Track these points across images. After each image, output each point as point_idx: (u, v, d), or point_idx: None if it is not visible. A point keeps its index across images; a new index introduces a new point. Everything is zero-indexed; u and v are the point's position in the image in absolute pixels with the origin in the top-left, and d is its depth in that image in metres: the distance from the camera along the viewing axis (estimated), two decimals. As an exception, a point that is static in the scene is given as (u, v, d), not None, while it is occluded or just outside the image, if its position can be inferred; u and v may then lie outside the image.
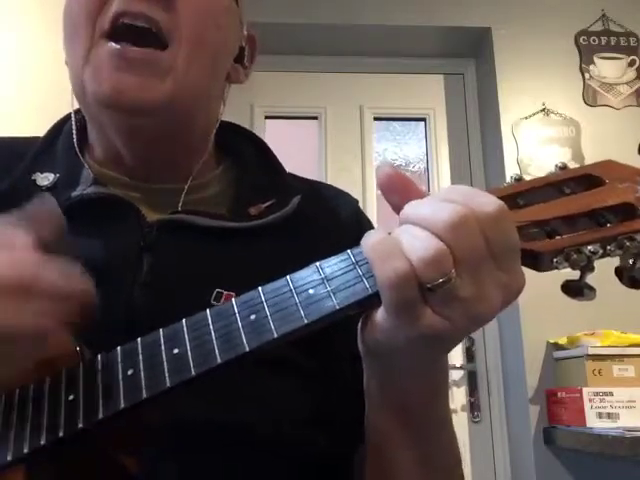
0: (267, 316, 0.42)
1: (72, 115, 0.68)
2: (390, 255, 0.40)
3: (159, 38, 0.59)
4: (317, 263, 0.44)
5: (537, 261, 0.43)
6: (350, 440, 0.58)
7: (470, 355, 2.17)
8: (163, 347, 0.43)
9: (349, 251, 0.44)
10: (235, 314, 0.43)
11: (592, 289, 0.43)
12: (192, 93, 0.61)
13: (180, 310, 0.45)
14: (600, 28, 2.27)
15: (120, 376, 0.43)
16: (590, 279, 0.44)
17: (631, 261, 0.43)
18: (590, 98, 2.20)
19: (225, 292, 0.56)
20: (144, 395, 0.42)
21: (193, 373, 0.41)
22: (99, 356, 0.45)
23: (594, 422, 1.67)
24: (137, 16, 0.58)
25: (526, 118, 2.17)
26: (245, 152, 0.72)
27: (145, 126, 0.61)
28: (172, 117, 0.61)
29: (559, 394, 1.83)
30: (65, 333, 0.46)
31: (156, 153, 0.64)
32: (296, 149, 2.37)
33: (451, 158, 2.37)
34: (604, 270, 0.46)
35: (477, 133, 2.37)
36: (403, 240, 0.40)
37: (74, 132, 0.67)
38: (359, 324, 0.46)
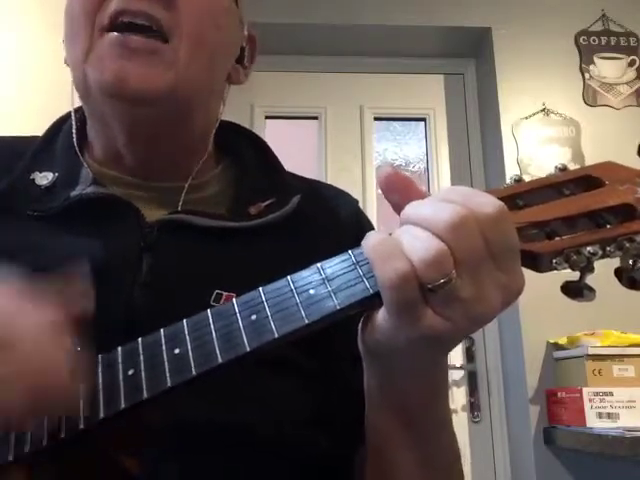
0: (268, 316, 0.42)
1: (72, 114, 0.68)
2: (391, 255, 0.40)
3: (160, 35, 0.59)
4: (318, 264, 0.44)
5: (537, 262, 0.43)
6: (351, 441, 0.58)
7: (470, 355, 2.17)
8: (164, 347, 0.43)
9: (350, 251, 0.44)
10: (236, 314, 0.43)
11: (592, 290, 0.43)
12: (193, 88, 0.61)
13: (180, 311, 0.45)
14: (600, 28, 2.27)
15: (121, 376, 0.43)
16: (590, 279, 0.44)
17: (631, 262, 0.43)
18: (590, 98, 2.20)
19: (225, 293, 0.56)
20: (145, 395, 0.42)
21: (194, 373, 0.41)
22: (99, 356, 0.45)
23: (594, 422, 1.67)
24: (137, 14, 0.58)
25: (526, 118, 2.17)
26: (245, 151, 0.72)
27: (147, 117, 0.60)
28: (173, 109, 0.61)
29: (559, 394, 1.83)
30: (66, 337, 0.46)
31: (156, 151, 0.64)
32: (296, 149, 2.37)
33: (451, 158, 2.37)
34: (604, 270, 0.47)
35: (477, 133, 2.37)
36: (404, 240, 0.41)
37: (74, 131, 0.67)
38: (359, 324, 0.46)
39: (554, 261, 0.43)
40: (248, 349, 0.41)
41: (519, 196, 0.45)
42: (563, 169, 0.46)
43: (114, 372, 0.43)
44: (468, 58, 2.43)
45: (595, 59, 2.24)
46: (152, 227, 0.60)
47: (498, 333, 2.18)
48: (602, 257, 0.43)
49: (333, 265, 0.44)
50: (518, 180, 0.46)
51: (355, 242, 0.50)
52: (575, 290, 0.44)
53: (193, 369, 0.42)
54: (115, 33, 0.58)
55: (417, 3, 2.30)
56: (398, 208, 0.44)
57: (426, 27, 2.30)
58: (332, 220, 0.69)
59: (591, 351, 1.75)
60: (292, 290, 0.43)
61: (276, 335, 0.42)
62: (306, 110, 2.40)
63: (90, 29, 0.59)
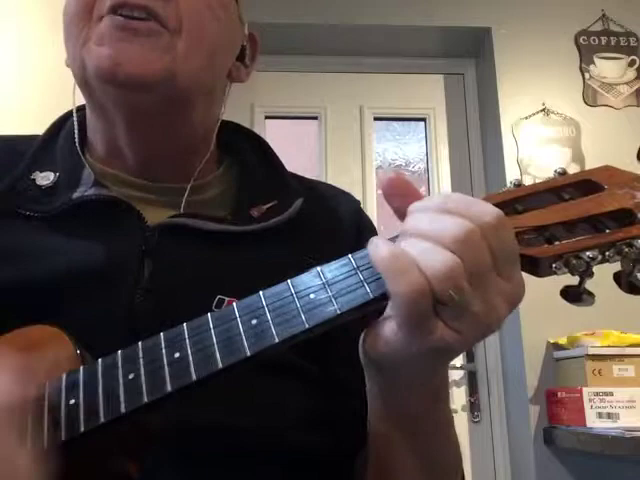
0: (268, 321, 0.42)
1: (74, 112, 0.67)
2: (404, 269, 0.40)
3: (159, 22, 0.58)
4: (318, 268, 0.44)
5: (536, 266, 0.43)
6: (351, 443, 0.57)
7: (470, 355, 2.17)
8: (164, 351, 0.43)
9: (350, 256, 0.44)
10: (236, 318, 0.43)
11: (591, 294, 0.43)
12: (192, 78, 0.60)
13: (182, 316, 0.45)
14: (600, 28, 2.27)
15: (121, 380, 0.43)
16: (590, 279, 0.44)
17: (630, 267, 0.43)
18: (590, 98, 2.20)
19: (227, 299, 0.56)
20: (145, 400, 0.41)
21: (194, 378, 0.41)
22: (100, 360, 0.45)
23: (594, 422, 1.67)
24: (135, 7, 0.58)
25: (526, 118, 2.17)
26: (246, 152, 0.72)
27: (145, 104, 0.59)
28: (172, 97, 0.60)
29: (559, 394, 1.83)
30: (65, 338, 0.46)
31: (157, 147, 0.64)
32: (296, 149, 2.37)
33: (451, 158, 2.37)
34: (604, 271, 0.46)
35: (477, 133, 2.37)
36: (415, 254, 0.40)
37: (75, 130, 0.66)
38: (361, 337, 0.46)
39: (553, 265, 0.43)
40: (249, 354, 0.41)
41: (518, 200, 0.45)
42: (562, 173, 0.46)
43: (114, 376, 0.43)
44: (468, 58, 2.43)
45: (595, 59, 2.24)
46: (153, 231, 0.59)
47: (498, 333, 2.18)
48: (601, 262, 0.43)
49: (333, 270, 0.43)
50: (518, 185, 0.46)
51: (356, 243, 0.49)
52: (574, 295, 0.44)
53: (193, 374, 0.41)
54: (114, 16, 0.57)
55: (417, 3, 2.30)
56: (399, 213, 0.44)
57: (426, 27, 2.30)
58: (334, 221, 0.68)
59: (591, 351, 1.75)
60: (292, 294, 0.43)
61: (277, 340, 0.41)
62: (306, 110, 2.40)
63: (87, 21, 0.59)
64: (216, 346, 0.42)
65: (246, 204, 0.64)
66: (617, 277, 0.43)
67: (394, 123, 2.47)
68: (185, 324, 0.44)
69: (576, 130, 2.16)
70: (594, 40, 2.25)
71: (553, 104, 2.18)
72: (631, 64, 2.25)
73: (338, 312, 0.42)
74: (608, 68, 2.23)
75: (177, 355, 0.42)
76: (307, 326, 0.41)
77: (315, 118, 2.41)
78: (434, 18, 2.29)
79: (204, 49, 0.61)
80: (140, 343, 0.44)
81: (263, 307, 0.43)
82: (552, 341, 1.94)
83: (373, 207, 2.25)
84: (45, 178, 0.62)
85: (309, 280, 0.44)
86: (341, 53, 2.40)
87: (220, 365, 0.41)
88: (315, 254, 0.61)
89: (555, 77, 2.22)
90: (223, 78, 0.68)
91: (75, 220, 0.59)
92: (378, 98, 2.40)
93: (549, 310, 1.86)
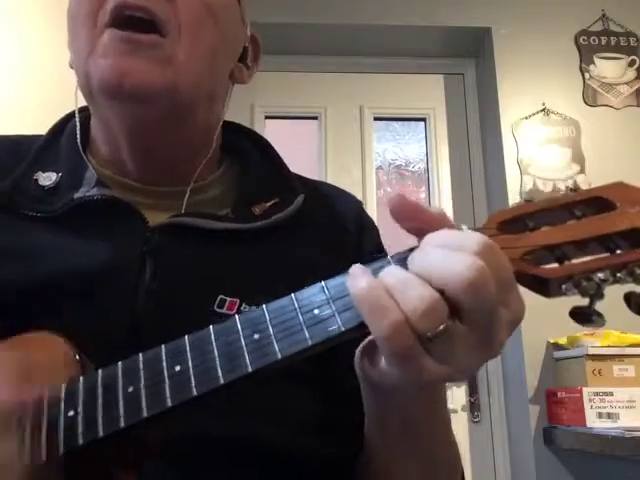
0: (271, 335, 0.41)
1: (76, 114, 0.67)
2: (381, 306, 0.38)
3: (158, 29, 0.59)
4: (322, 282, 0.43)
5: (546, 287, 0.42)
6: (354, 446, 0.57)
7: (470, 355, 2.17)
8: (164, 364, 0.42)
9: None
10: (238, 332, 0.42)
11: (600, 316, 0.42)
12: (193, 83, 0.60)
13: (184, 316, 0.45)
14: (600, 28, 2.27)
15: (120, 393, 0.42)
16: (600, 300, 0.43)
17: None
18: (590, 98, 2.20)
19: (229, 299, 0.56)
20: (145, 414, 0.41)
21: (195, 393, 0.41)
22: (99, 371, 0.44)
23: (594, 422, 1.67)
24: (136, 8, 0.58)
25: (526, 118, 2.17)
26: (247, 151, 0.72)
27: (147, 116, 0.60)
28: (174, 107, 0.60)
29: (559, 394, 1.83)
30: (65, 344, 0.45)
31: (158, 155, 0.64)
32: (296, 149, 2.37)
33: (451, 158, 2.37)
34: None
35: (477, 133, 2.37)
36: (394, 288, 0.39)
37: (77, 132, 0.66)
38: (356, 355, 0.45)
39: (563, 287, 0.42)
40: (250, 370, 0.41)
41: (529, 217, 0.44)
42: (574, 190, 0.45)
43: (114, 388, 0.42)
44: (468, 58, 2.43)
45: (595, 59, 2.24)
46: (154, 231, 0.59)
47: (498, 333, 2.17)
48: (613, 283, 0.42)
49: (338, 284, 0.42)
50: (529, 200, 0.45)
51: (359, 242, 0.49)
52: (584, 316, 0.43)
53: (194, 389, 0.41)
54: (117, 30, 0.58)
55: (417, 3, 2.30)
56: (413, 232, 0.43)
57: (426, 27, 2.30)
58: (336, 220, 0.68)
59: (591, 351, 1.75)
60: (296, 309, 0.42)
61: (279, 356, 0.41)
62: (306, 110, 2.40)
63: (92, 28, 0.59)
64: (218, 361, 0.41)
65: (248, 202, 0.64)
66: (627, 298, 0.42)
67: (394, 123, 2.47)
68: (186, 336, 0.43)
69: (576, 130, 2.15)
70: (594, 40, 2.25)
71: (553, 104, 2.18)
72: (631, 64, 2.25)
73: (342, 329, 0.40)
74: (608, 68, 2.23)
75: (178, 368, 0.42)
76: (310, 343, 0.40)
77: (315, 118, 2.41)
78: (434, 18, 2.29)
79: (204, 53, 0.61)
80: (140, 355, 0.43)
81: (266, 321, 0.42)
82: (552, 341, 1.94)
83: (373, 207, 2.25)
84: (47, 178, 0.62)
85: (313, 294, 0.42)
86: (341, 53, 2.40)
87: (222, 381, 0.40)
88: (316, 253, 0.61)
89: (555, 77, 2.21)
90: (225, 80, 0.68)
91: (77, 220, 0.59)
92: (378, 98, 2.40)
93: (549, 310, 1.85)
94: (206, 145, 0.67)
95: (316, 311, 0.41)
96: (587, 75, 2.22)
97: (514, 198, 2.07)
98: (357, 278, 0.40)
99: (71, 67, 0.64)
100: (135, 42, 0.57)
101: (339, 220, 0.68)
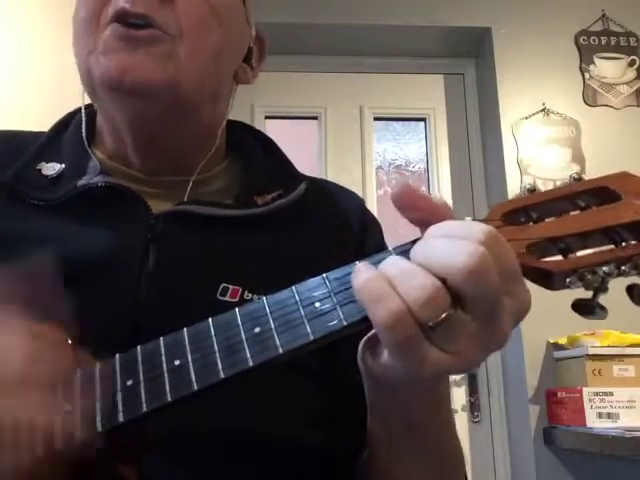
0: (272, 329, 0.41)
1: (82, 109, 0.68)
2: (382, 295, 0.38)
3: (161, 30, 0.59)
4: (324, 275, 0.42)
5: (550, 280, 0.42)
6: (357, 440, 0.57)
7: (470, 355, 2.17)
8: (164, 358, 0.42)
9: (357, 263, 0.42)
10: (239, 326, 0.42)
11: (603, 309, 0.42)
12: (196, 83, 0.61)
13: (186, 304, 0.45)
14: (600, 28, 2.27)
15: (119, 387, 0.41)
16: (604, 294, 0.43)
17: None
18: (590, 98, 2.20)
19: (231, 287, 0.56)
20: (144, 409, 0.40)
21: (195, 388, 0.40)
22: (97, 364, 0.43)
23: (594, 422, 1.67)
24: (137, 16, 0.58)
25: (526, 118, 2.17)
26: (251, 146, 0.72)
27: (148, 112, 0.60)
28: (175, 102, 0.60)
29: (559, 394, 1.83)
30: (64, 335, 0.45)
31: (161, 150, 0.64)
32: (296, 149, 2.37)
33: (451, 158, 2.37)
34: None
35: (477, 133, 2.37)
36: (395, 278, 0.38)
37: (83, 125, 0.67)
38: (359, 348, 0.45)
39: (568, 280, 0.41)
40: (251, 364, 0.40)
41: (533, 208, 0.44)
42: (578, 179, 0.44)
43: (112, 382, 0.42)
44: (468, 58, 2.43)
45: (595, 59, 2.24)
46: (158, 218, 0.60)
47: (498, 333, 2.17)
48: (617, 276, 0.41)
49: (340, 277, 0.42)
50: (532, 190, 0.44)
51: (362, 238, 0.48)
52: (587, 309, 0.42)
53: (194, 384, 0.40)
54: (119, 25, 0.58)
55: (417, 3, 2.30)
56: (415, 223, 0.43)
57: (426, 27, 2.30)
58: (337, 213, 0.69)
59: (591, 351, 1.75)
60: (297, 302, 0.41)
61: (281, 351, 0.40)
62: (306, 110, 2.40)
63: (95, 28, 0.60)
64: (218, 355, 0.41)
65: (250, 193, 0.64)
66: (630, 290, 0.42)
67: (394, 123, 2.47)
68: (185, 329, 0.43)
69: (576, 130, 2.15)
70: (594, 40, 2.25)
71: (553, 104, 2.18)
72: (631, 64, 2.25)
73: (344, 323, 0.40)
74: (608, 68, 2.23)
75: (177, 363, 0.41)
76: (312, 338, 0.40)
77: (315, 118, 2.41)
78: (434, 18, 2.29)
79: (207, 54, 0.61)
80: (139, 347, 0.43)
81: (267, 315, 0.41)
82: (552, 341, 1.94)
83: (373, 207, 2.25)
84: (51, 168, 0.63)
85: (314, 287, 0.42)
86: (341, 53, 2.40)
87: (222, 376, 0.40)
88: (319, 243, 0.62)
89: (555, 77, 2.22)
90: (229, 81, 0.68)
91: (80, 208, 0.59)
92: (378, 98, 2.40)
93: (549, 310, 1.85)
94: (210, 140, 0.67)
95: (317, 304, 0.41)
96: (587, 75, 2.22)
97: (514, 198, 2.07)
98: (360, 271, 0.40)
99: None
100: (135, 39, 0.58)
101: (342, 216, 0.69)
